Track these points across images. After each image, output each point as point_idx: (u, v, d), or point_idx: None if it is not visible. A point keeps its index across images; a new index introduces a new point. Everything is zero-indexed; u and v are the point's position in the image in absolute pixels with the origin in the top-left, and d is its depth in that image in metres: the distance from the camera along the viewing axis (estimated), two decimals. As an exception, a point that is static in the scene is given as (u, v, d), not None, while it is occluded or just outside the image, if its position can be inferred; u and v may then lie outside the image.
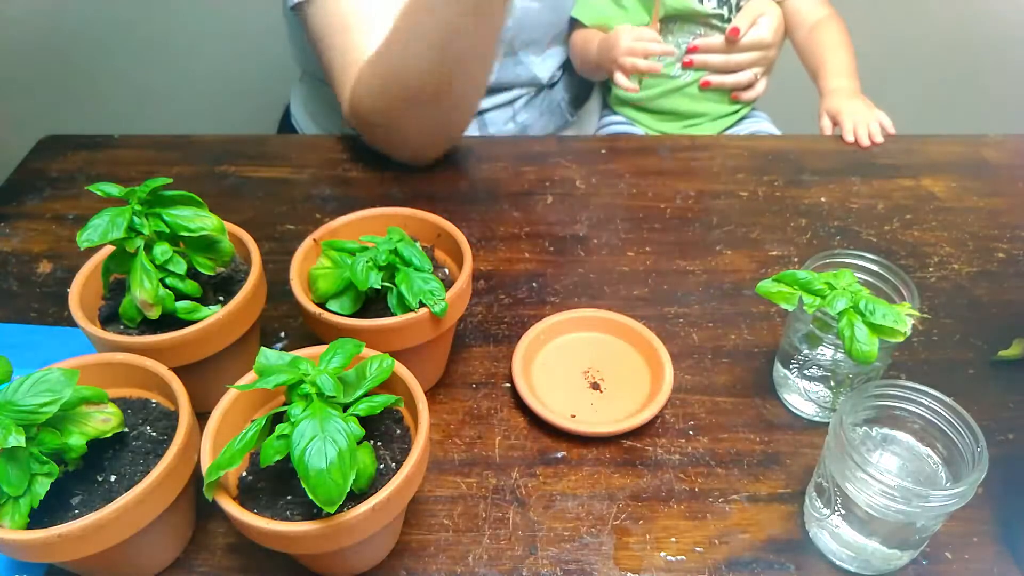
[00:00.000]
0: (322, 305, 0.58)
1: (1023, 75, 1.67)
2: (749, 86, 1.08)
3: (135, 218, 0.54)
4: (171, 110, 1.65)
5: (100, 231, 0.53)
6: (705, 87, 1.07)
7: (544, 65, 1.05)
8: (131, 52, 1.67)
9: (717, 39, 1.03)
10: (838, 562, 0.53)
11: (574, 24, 1.07)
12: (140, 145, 0.93)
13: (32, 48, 1.67)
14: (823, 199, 0.85)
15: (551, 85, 1.10)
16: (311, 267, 0.61)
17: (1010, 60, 1.65)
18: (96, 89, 1.72)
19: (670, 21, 1.04)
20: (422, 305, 0.56)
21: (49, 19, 1.63)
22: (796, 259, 0.77)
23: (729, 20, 1.04)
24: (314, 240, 0.62)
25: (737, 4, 1.04)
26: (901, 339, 0.54)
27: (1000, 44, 1.65)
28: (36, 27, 1.64)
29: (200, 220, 0.56)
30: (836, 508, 0.51)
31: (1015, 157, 0.92)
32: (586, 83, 1.16)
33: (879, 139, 0.94)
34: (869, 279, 0.61)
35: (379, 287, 0.57)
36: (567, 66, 1.11)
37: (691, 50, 1.05)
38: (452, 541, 0.54)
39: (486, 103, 1.05)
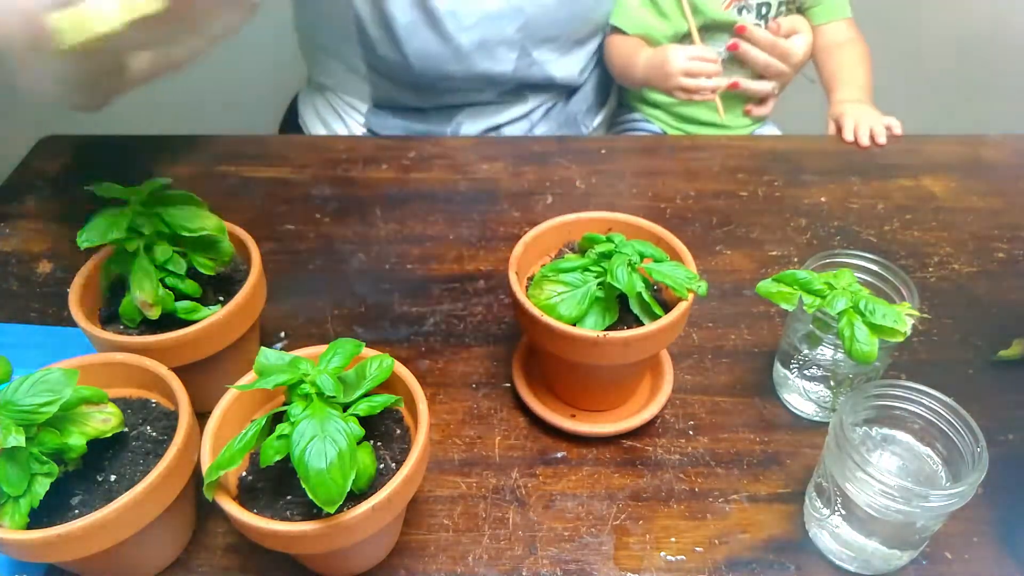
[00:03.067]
0: None
1: (1023, 75, 1.67)
2: (764, 101, 1.09)
3: (135, 218, 0.54)
4: (171, 110, 1.65)
5: (100, 231, 0.53)
6: (734, 88, 1.06)
7: (560, 65, 1.03)
8: (131, 52, 1.66)
9: (762, 31, 1.03)
10: (838, 562, 0.53)
11: (611, 30, 1.06)
12: (140, 145, 0.93)
13: (32, 48, 1.67)
14: (823, 199, 0.85)
15: (569, 95, 1.09)
16: (534, 302, 0.56)
17: (1010, 60, 1.65)
18: (96, 89, 1.71)
19: (705, 31, 1.04)
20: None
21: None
22: (796, 259, 0.77)
23: None
24: (516, 273, 0.58)
25: (776, 18, 1.05)
26: (901, 339, 0.54)
27: (1000, 44, 1.65)
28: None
29: (200, 220, 0.56)
30: (836, 508, 0.51)
31: (1015, 157, 0.92)
32: (602, 94, 1.15)
33: (882, 139, 0.93)
34: (869, 279, 0.61)
35: (640, 290, 0.54)
36: (587, 77, 1.09)
37: (740, 30, 1.03)
38: (452, 541, 0.54)
39: (502, 117, 1.04)
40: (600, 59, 1.10)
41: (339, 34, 0.96)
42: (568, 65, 1.04)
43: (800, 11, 1.09)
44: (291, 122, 1.15)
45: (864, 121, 0.95)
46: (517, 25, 0.94)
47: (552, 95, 1.06)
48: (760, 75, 1.07)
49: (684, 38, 1.05)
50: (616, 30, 1.06)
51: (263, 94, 1.30)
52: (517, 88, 1.02)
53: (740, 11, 1.03)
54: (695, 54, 0.99)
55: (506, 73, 0.98)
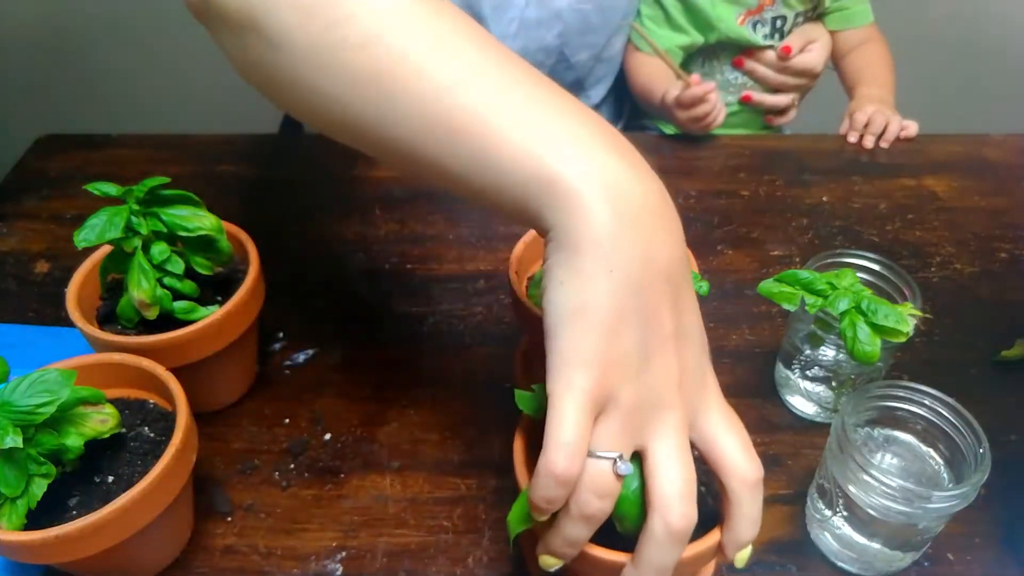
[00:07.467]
0: None
1: (1024, 74, 1.66)
2: (784, 110, 1.07)
3: (133, 218, 0.54)
4: (170, 110, 1.65)
5: (98, 231, 0.53)
6: (746, 101, 1.05)
7: (592, 75, 1.02)
8: (130, 52, 1.67)
9: (770, 53, 1.02)
10: (840, 563, 0.53)
11: (631, 48, 1.04)
12: (138, 144, 0.93)
13: (31, 47, 1.67)
14: (825, 199, 0.85)
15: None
16: (534, 302, 0.54)
17: (1012, 59, 1.65)
18: (95, 88, 1.71)
19: (720, 49, 1.03)
20: None
21: (48, 18, 1.63)
22: (798, 259, 0.77)
23: None
24: (516, 273, 0.58)
25: (789, 32, 1.02)
26: (903, 339, 0.54)
27: (1001, 43, 1.65)
28: (35, 26, 1.64)
29: (198, 220, 0.56)
30: (838, 509, 0.50)
31: (1017, 156, 0.92)
32: (617, 113, 1.14)
33: (891, 131, 0.92)
34: (871, 279, 0.61)
35: None
36: (605, 96, 1.08)
37: (737, 64, 1.03)
38: (452, 542, 0.54)
39: None
40: (617, 79, 1.07)
41: None
42: (595, 78, 1.03)
43: (819, 17, 1.05)
44: (291, 121, 1.14)
45: (878, 118, 0.93)
46: (556, 32, 0.95)
47: None
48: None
49: (698, 51, 1.04)
50: (634, 48, 1.04)
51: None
52: None
53: (755, 25, 1.00)
54: (685, 99, 0.90)
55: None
